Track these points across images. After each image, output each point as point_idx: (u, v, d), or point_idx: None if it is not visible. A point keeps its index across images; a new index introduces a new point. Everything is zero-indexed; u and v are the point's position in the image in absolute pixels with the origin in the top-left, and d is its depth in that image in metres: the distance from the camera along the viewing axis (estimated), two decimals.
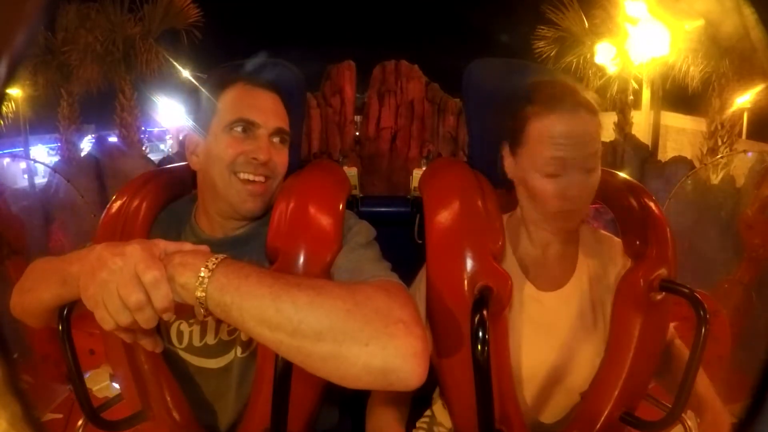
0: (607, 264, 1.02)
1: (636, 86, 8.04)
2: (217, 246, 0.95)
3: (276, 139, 0.95)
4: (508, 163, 0.97)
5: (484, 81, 1.12)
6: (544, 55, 8.32)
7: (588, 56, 8.12)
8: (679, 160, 6.21)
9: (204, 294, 0.64)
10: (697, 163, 6.37)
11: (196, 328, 0.94)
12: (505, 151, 0.97)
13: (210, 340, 0.94)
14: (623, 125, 7.86)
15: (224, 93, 0.95)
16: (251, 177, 0.92)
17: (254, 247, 0.95)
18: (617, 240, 1.05)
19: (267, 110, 0.94)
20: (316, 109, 7.83)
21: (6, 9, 0.47)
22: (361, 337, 0.64)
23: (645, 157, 6.72)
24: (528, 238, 1.00)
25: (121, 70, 8.02)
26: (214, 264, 0.66)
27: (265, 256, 0.93)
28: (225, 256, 0.68)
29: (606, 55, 7.75)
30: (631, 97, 8.05)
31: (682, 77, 7.18)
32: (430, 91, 8.16)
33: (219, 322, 0.93)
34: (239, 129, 0.92)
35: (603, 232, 1.08)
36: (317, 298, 0.66)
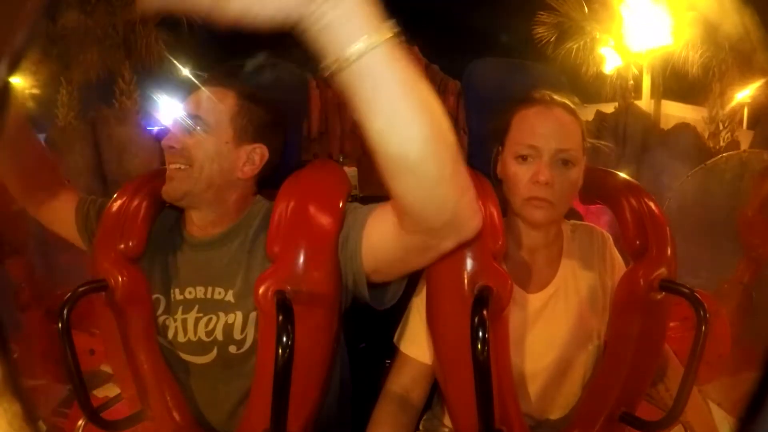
0: (587, 252, 1.05)
1: (636, 71, 8.01)
2: (196, 246, 0.99)
3: (188, 124, 0.95)
4: (498, 163, 1.02)
5: (484, 81, 1.12)
6: (544, 41, 8.31)
7: (588, 41, 8.11)
8: (682, 128, 6.11)
9: (356, 54, 0.57)
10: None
11: (180, 325, 0.96)
12: (497, 154, 1.02)
13: (191, 336, 0.95)
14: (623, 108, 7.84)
15: None
16: (169, 165, 0.96)
17: (232, 247, 0.97)
18: (595, 228, 1.08)
19: (189, 102, 0.97)
20: (315, 90, 7.79)
21: (6, 9, 0.47)
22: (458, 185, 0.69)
23: (647, 126, 6.62)
24: (516, 244, 1.02)
25: (120, 55, 8.01)
26: (390, 31, 0.58)
27: (246, 254, 0.95)
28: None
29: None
30: (632, 82, 8.01)
31: (682, 63, 7.16)
32: (429, 72, 8.11)
33: (197, 320, 0.95)
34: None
35: (578, 222, 1.11)
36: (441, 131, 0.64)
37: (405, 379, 1.01)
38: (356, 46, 0.57)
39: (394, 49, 0.59)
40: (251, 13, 0.56)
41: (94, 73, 8.01)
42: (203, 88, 0.98)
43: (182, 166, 0.94)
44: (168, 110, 0.97)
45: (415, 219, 0.72)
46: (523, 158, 0.95)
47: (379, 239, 0.85)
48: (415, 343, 1.00)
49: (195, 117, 0.95)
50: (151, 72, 8.17)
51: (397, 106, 0.60)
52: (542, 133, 0.94)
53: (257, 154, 0.98)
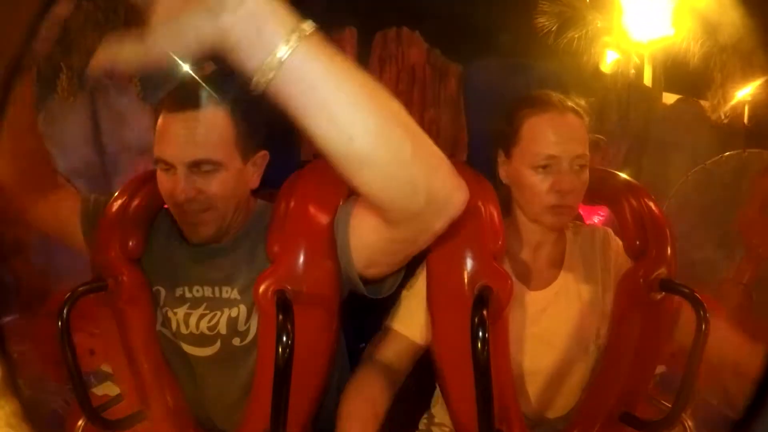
0: (589, 252, 1.05)
1: (637, 60, 7.95)
2: (203, 251, 0.96)
3: (199, 170, 0.88)
4: (503, 168, 1.01)
5: (484, 83, 1.13)
6: (546, 30, 8.27)
7: (589, 31, 8.07)
8: (685, 102, 6.08)
9: (284, 58, 0.52)
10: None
11: (182, 319, 0.95)
12: (500, 158, 1.02)
13: (194, 330, 0.95)
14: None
15: (156, 123, 0.90)
16: (187, 210, 0.90)
17: (239, 251, 0.96)
18: (599, 227, 1.09)
19: (179, 143, 0.87)
20: None
21: (6, 9, 0.47)
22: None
23: (650, 100, 6.57)
24: (519, 242, 1.02)
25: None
26: (310, 28, 0.54)
27: (248, 253, 0.95)
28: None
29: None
30: (633, 71, 7.96)
31: (683, 55, 7.11)
32: (431, 56, 8.11)
33: (201, 317, 0.94)
34: (162, 168, 0.89)
35: (579, 223, 1.12)
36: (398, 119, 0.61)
37: (389, 352, 0.99)
38: (275, 53, 0.53)
39: (318, 45, 0.55)
40: (176, 48, 0.54)
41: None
42: (196, 118, 0.87)
43: (201, 210, 0.90)
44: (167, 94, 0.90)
45: (391, 210, 0.69)
46: (543, 167, 0.95)
47: (369, 236, 0.82)
48: (406, 322, 0.99)
49: (202, 161, 0.87)
50: None
51: (335, 104, 0.56)
52: (560, 142, 0.94)
53: (260, 160, 0.97)
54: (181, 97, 0.88)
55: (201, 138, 0.86)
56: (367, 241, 0.84)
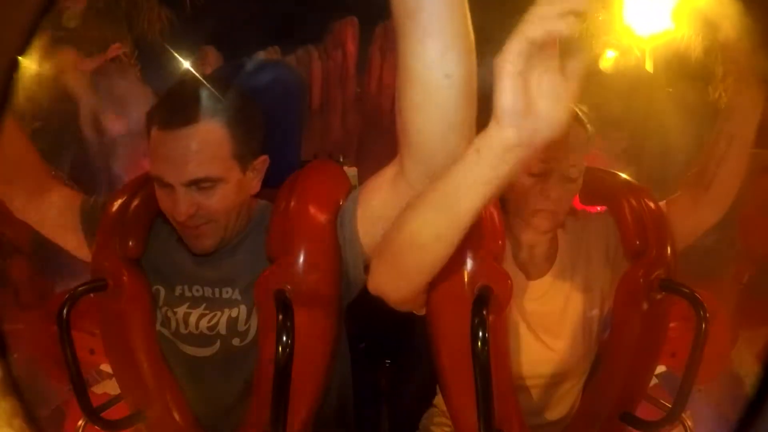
0: (580, 243, 1.04)
1: (639, 54, 7.96)
2: (209, 254, 0.96)
3: (198, 187, 0.86)
4: None
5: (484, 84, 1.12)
6: None
7: (590, 25, 8.08)
8: (685, 95, 6.10)
9: None
10: None
11: (182, 318, 0.95)
12: None
13: (193, 330, 0.95)
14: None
15: (149, 137, 0.88)
16: (188, 225, 0.89)
17: (240, 252, 0.96)
18: (581, 212, 1.08)
19: (177, 161, 0.84)
20: (317, 61, 7.75)
21: (6, 9, 0.47)
22: None
23: (651, 85, 6.62)
24: (515, 241, 1.02)
25: (122, 29, 7.96)
26: None
27: (255, 257, 0.94)
28: None
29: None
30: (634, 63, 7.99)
31: (684, 48, 7.10)
32: None
33: (201, 316, 0.95)
34: (159, 185, 0.88)
35: (570, 216, 1.09)
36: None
37: None
38: None
39: None
40: None
41: (95, 48, 7.93)
42: (190, 136, 0.84)
43: (206, 222, 0.89)
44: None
45: (422, 158, 0.71)
46: (535, 174, 0.93)
47: (378, 204, 0.82)
48: None
49: (200, 180, 0.86)
50: (152, 48, 8.12)
51: (458, 38, 0.60)
52: (556, 149, 0.92)
53: (260, 165, 0.95)
54: (173, 112, 0.86)
55: (197, 156, 0.84)
56: (377, 211, 0.82)
